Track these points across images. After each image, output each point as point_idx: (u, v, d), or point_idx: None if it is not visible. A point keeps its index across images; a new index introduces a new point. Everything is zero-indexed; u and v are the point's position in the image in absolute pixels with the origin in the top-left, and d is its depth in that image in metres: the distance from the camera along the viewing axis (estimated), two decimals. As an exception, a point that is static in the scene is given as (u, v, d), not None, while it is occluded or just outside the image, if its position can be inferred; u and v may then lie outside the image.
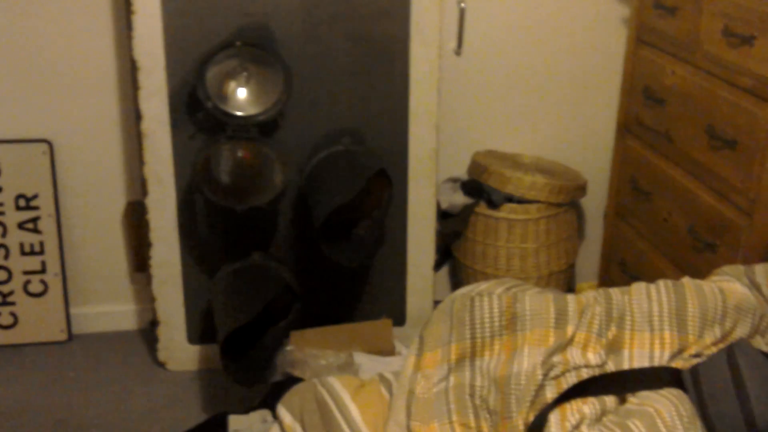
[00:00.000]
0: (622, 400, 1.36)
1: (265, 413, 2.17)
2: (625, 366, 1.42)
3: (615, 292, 1.54)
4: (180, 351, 2.54)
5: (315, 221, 2.14)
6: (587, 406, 1.29)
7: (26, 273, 2.60)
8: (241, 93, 2.25)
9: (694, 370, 1.34)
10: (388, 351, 2.44)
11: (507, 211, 2.55)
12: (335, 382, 1.51)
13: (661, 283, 1.53)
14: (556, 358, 1.39)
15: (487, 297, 1.49)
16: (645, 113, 2.37)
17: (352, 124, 2.42)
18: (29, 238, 2.58)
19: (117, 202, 2.64)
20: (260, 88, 2.26)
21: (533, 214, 2.54)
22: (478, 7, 2.61)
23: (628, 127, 2.48)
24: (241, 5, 2.27)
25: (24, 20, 2.39)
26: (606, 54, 2.71)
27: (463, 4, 2.57)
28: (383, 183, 2.29)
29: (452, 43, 2.62)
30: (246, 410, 2.22)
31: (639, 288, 1.53)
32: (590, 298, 1.52)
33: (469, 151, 2.75)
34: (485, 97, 2.73)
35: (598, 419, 1.29)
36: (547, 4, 2.64)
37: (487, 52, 2.67)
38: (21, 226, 2.56)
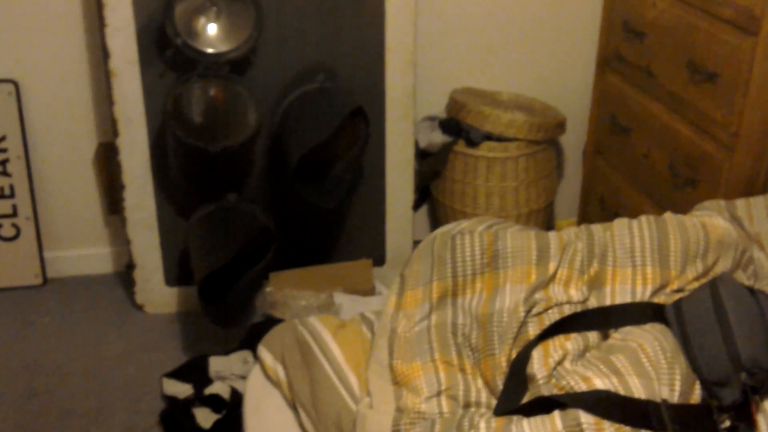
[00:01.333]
0: (605, 336, 1.35)
1: (245, 354, 2.17)
2: (608, 302, 1.41)
3: (596, 228, 1.53)
4: (157, 294, 2.51)
5: (289, 162, 2.10)
6: (570, 342, 1.29)
7: (-4, 217, 2.55)
8: (211, 29, 2.18)
9: (677, 305, 1.33)
10: (368, 291, 2.44)
11: (486, 150, 2.52)
12: (316, 322, 1.50)
13: (642, 218, 1.52)
14: (538, 295, 1.37)
15: (468, 235, 1.47)
16: (625, 47, 2.33)
17: (326, 60, 2.36)
18: (-2, 182, 2.52)
19: (88, 144, 2.57)
20: (231, 24, 2.19)
21: (512, 152, 2.51)
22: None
23: (607, 62, 2.45)
24: (211, -63, 2.19)
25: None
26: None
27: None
28: (359, 122, 2.25)
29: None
30: (226, 352, 2.22)
31: (621, 224, 1.52)
32: (572, 234, 1.50)
33: (446, 88, 2.70)
34: (462, 34, 2.67)
35: (581, 355, 1.29)
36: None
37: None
38: (-11, 169, 2.50)
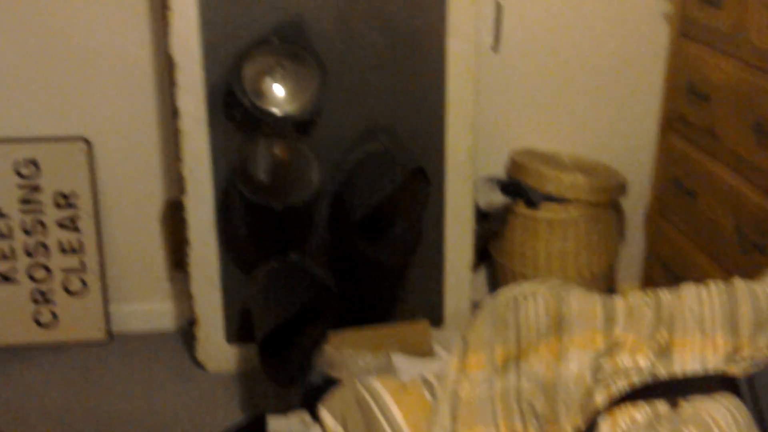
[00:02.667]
0: (674, 406, 1.32)
1: (303, 415, 2.16)
2: (677, 370, 1.38)
3: (664, 293, 1.50)
4: (218, 351, 2.54)
5: (352, 220, 2.12)
6: (638, 411, 1.26)
7: (65, 271, 2.62)
8: (278, 90, 2.24)
9: (751, 379, 1.29)
10: (426, 352, 2.41)
11: (546, 211, 2.51)
12: (377, 384, 1.49)
13: (711, 284, 1.49)
14: (604, 362, 1.35)
15: (531, 297, 1.45)
16: (689, 110, 2.32)
17: (387, 121, 2.40)
18: (68, 237, 2.59)
19: (155, 200, 2.64)
20: (296, 84, 2.25)
21: (573, 214, 2.50)
22: (515, 2, 2.57)
23: (671, 124, 2.43)
24: (277, 1, 2.26)
25: (63, 17, 2.40)
26: (647, 49, 2.66)
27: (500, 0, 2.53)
28: (420, 181, 2.26)
29: (489, 39, 2.58)
30: (284, 411, 2.21)
31: (689, 289, 1.49)
32: (639, 299, 1.48)
33: (506, 149, 2.71)
34: (523, 94, 2.69)
35: (650, 425, 1.25)
36: (588, -1, 2.60)
37: (524, 48, 2.63)
38: (60, 224, 2.58)
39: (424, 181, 2.23)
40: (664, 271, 2.50)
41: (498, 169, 2.72)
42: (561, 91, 2.69)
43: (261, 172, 2.23)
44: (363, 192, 2.17)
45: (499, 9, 2.53)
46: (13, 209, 2.55)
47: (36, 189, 2.54)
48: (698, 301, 1.46)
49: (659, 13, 2.61)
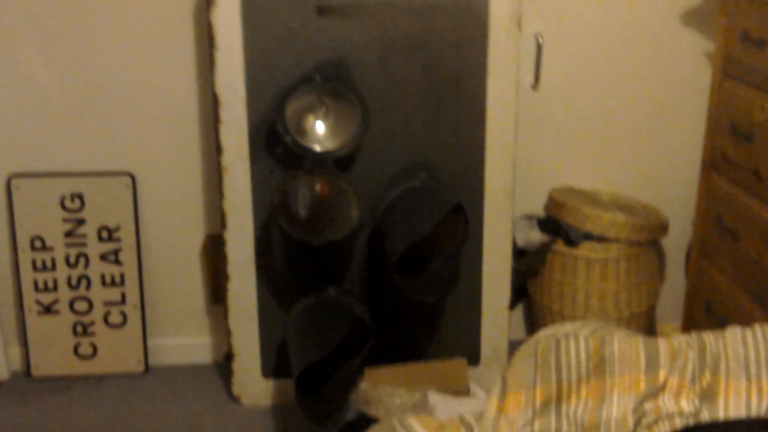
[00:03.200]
0: (720, 452, 1.29)
1: (339, 451, 2.15)
2: (721, 415, 1.35)
3: (708, 336, 1.48)
4: (254, 385, 2.54)
5: (390, 256, 2.12)
6: (683, 456, 1.24)
7: (107, 304, 2.65)
8: (320, 127, 2.27)
9: (799, 423, 1.27)
10: (463, 391, 2.40)
11: (586, 250, 2.49)
12: (415, 422, 1.48)
13: (757, 327, 1.46)
14: (647, 405, 1.33)
15: (573, 339, 1.44)
16: (732, 149, 2.30)
17: (427, 158, 2.41)
18: (110, 270, 2.63)
19: (196, 235, 2.67)
20: (338, 122, 2.27)
21: (613, 253, 2.48)
22: (556, 41, 2.58)
23: (713, 163, 2.40)
24: (319, 40, 2.29)
25: (108, 54, 2.46)
26: (689, 88, 2.65)
27: (540, 39, 2.54)
28: (459, 219, 2.26)
29: (529, 78, 2.59)
30: (320, 447, 2.21)
31: (734, 333, 1.46)
32: (682, 342, 1.46)
33: (545, 187, 2.71)
34: (563, 133, 2.69)
35: (695, 471, 1.23)
36: (628, 37, 2.60)
37: (565, 87, 2.64)
38: (103, 257, 2.62)
39: (462, 218, 2.23)
40: (706, 312, 2.46)
41: (537, 206, 2.71)
42: (602, 129, 2.69)
43: (301, 207, 2.25)
44: (402, 229, 2.17)
45: (539, 47, 2.54)
46: (58, 242, 2.60)
47: (81, 222, 2.59)
48: (743, 344, 1.44)
49: (701, 52, 2.61)
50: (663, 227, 2.57)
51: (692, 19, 2.58)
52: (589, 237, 2.49)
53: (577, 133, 2.68)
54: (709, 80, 2.46)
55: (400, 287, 2.17)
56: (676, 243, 2.78)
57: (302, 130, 2.25)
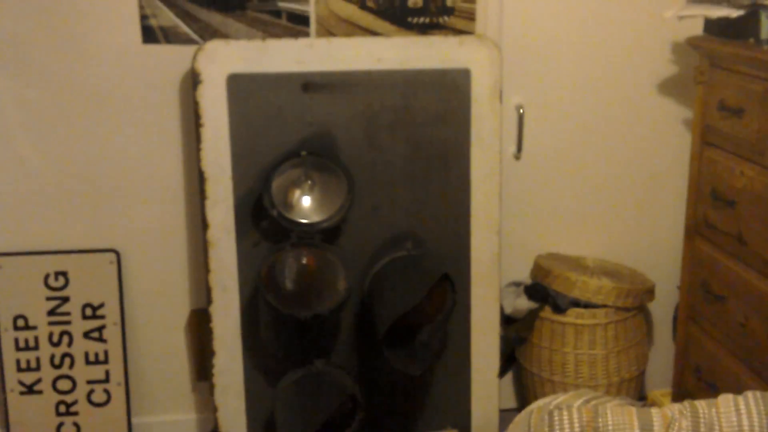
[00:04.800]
0: None
1: None
2: (718, 485, 1.33)
3: (701, 404, 1.47)
4: (241, 462, 2.49)
5: (378, 329, 2.11)
6: None
7: (90, 382, 2.60)
8: (305, 201, 2.28)
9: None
10: (455, 463, 2.36)
11: (574, 316, 2.49)
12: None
13: (749, 395, 1.46)
14: (644, 477, 1.31)
15: (566, 410, 1.43)
16: (714, 215, 2.32)
17: (413, 229, 2.42)
18: (94, 347, 2.59)
19: (181, 310, 2.65)
20: (323, 195, 2.29)
21: (601, 319, 2.48)
22: (537, 111, 2.63)
23: (697, 229, 2.43)
24: (305, 115, 2.33)
25: (94, 132, 2.47)
26: (671, 155, 2.69)
27: (521, 109, 2.59)
28: (446, 288, 2.26)
29: (512, 147, 2.63)
30: None
31: (726, 400, 1.46)
32: (675, 410, 1.45)
33: (531, 254, 2.72)
34: (546, 200, 2.71)
35: None
36: (609, 106, 2.65)
37: (547, 156, 2.68)
38: (87, 335, 2.58)
39: (450, 287, 2.23)
40: (696, 377, 2.45)
41: (523, 273, 2.72)
42: (584, 196, 2.72)
43: (288, 280, 2.24)
44: (390, 301, 2.17)
45: (520, 118, 2.58)
46: (41, 320, 2.56)
47: (64, 300, 2.56)
48: (736, 412, 1.43)
49: (681, 120, 2.66)
50: (650, 292, 2.58)
51: (671, 87, 2.64)
52: (576, 303, 2.49)
53: (561, 200, 2.71)
54: (690, 147, 2.51)
55: (389, 360, 2.15)
56: (663, 307, 2.79)
57: (288, 204, 2.26)
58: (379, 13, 2.47)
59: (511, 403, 2.84)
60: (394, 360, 2.15)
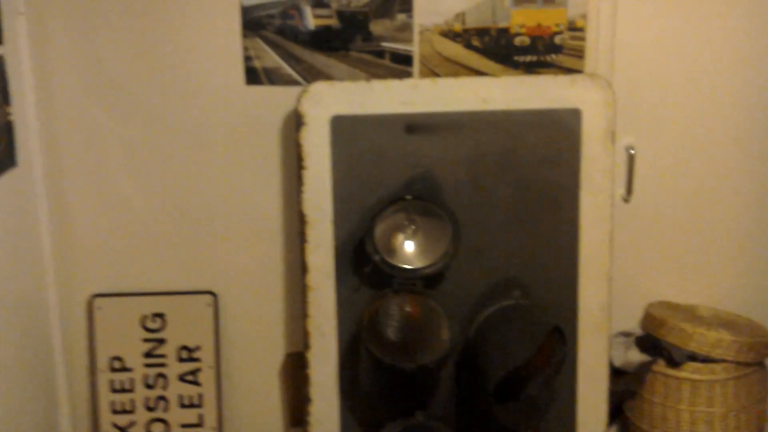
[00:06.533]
0: None
1: None
2: None
3: None
4: None
5: (487, 383, 2.01)
6: None
7: (184, 426, 2.57)
8: (408, 246, 2.20)
9: None
10: None
11: (690, 371, 2.34)
12: None
13: None
14: None
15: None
16: None
17: (518, 275, 2.32)
18: (189, 391, 2.56)
19: (276, 354, 2.60)
20: (427, 239, 2.21)
21: (720, 375, 2.32)
22: (647, 152, 2.51)
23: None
24: (408, 157, 2.27)
25: (195, 173, 2.47)
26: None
27: (632, 150, 2.48)
28: (555, 339, 2.15)
29: (621, 190, 2.51)
30: None
31: None
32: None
33: (639, 302, 2.58)
34: (656, 246, 2.58)
35: None
36: (723, 147, 2.52)
37: (657, 199, 2.55)
38: (182, 378, 2.55)
39: (561, 341, 2.12)
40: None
41: (631, 323, 2.58)
42: (697, 242, 2.58)
43: (390, 329, 2.17)
44: (499, 353, 2.07)
45: (631, 159, 2.47)
46: (137, 362, 2.54)
47: (161, 342, 2.54)
48: None
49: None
50: (771, 346, 2.41)
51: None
52: (692, 357, 2.34)
53: (671, 246, 2.58)
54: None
55: (498, 416, 2.04)
56: (781, 361, 2.61)
57: (391, 249, 2.19)
58: (485, 52, 2.40)
59: (615, 458, 2.69)
60: (503, 416, 2.04)
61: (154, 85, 2.39)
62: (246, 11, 2.35)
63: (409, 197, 2.18)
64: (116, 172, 2.45)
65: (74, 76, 2.38)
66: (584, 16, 2.40)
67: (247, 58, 2.37)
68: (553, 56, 2.41)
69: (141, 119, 2.42)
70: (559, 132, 2.28)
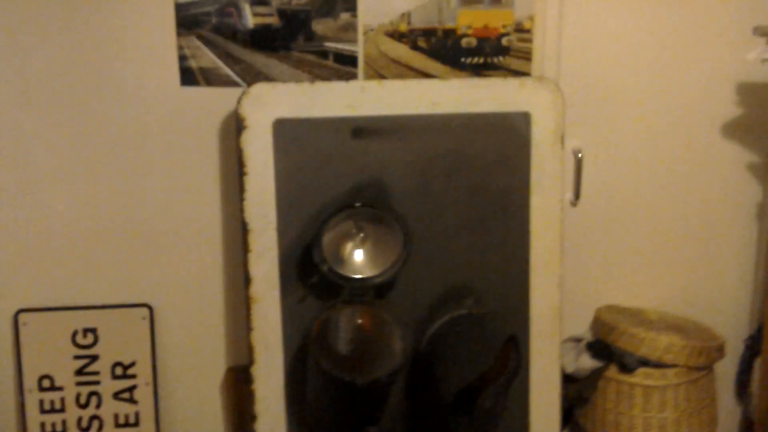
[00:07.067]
0: None
1: None
2: None
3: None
4: None
5: (444, 397, 1.94)
6: None
7: (119, 447, 2.43)
8: (357, 255, 2.12)
9: None
10: None
11: (642, 377, 2.32)
12: None
13: None
14: None
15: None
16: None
17: (469, 282, 2.26)
18: (125, 409, 2.42)
19: (217, 368, 2.48)
20: (376, 248, 2.13)
21: (672, 380, 2.30)
22: (595, 155, 2.48)
23: (772, 281, 2.28)
24: (354, 162, 2.18)
25: (127, 177, 2.33)
26: (735, 201, 2.54)
27: (579, 153, 2.44)
28: (509, 348, 2.10)
29: (568, 193, 2.48)
30: None
31: None
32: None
33: (587, 306, 2.55)
34: (604, 249, 2.56)
35: None
36: (672, 150, 2.51)
37: (605, 202, 2.53)
38: (117, 395, 2.41)
39: (515, 349, 2.07)
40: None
41: (580, 327, 2.55)
42: (645, 245, 2.57)
43: (341, 342, 2.08)
44: (453, 365, 2.00)
45: (578, 163, 2.44)
46: (68, 381, 2.39)
47: (93, 359, 2.39)
48: None
49: (746, 165, 2.51)
50: (720, 349, 2.40)
51: (737, 131, 2.50)
52: (644, 362, 2.32)
53: (619, 249, 2.55)
54: (755, 193, 2.37)
55: (455, 429, 1.98)
56: (725, 365, 2.61)
57: (339, 258, 2.10)
58: (431, 53, 2.34)
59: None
60: (460, 429, 1.97)
61: (82, 85, 2.24)
62: (180, 8, 2.22)
63: (358, 204, 2.09)
64: (41, 177, 2.29)
65: (-5, 76, 2.22)
66: (532, 18, 2.35)
67: (182, 58, 2.25)
68: (501, 58, 2.36)
69: (68, 120, 2.26)
70: (509, 135, 2.23)
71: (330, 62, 2.31)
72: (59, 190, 2.31)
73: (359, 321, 2.08)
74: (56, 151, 2.28)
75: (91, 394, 2.41)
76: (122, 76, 2.26)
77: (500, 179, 2.24)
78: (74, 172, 2.30)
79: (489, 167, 2.24)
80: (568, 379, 2.46)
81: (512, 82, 2.23)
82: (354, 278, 2.07)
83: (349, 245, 2.11)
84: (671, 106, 2.47)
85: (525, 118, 2.23)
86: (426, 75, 2.36)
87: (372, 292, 2.11)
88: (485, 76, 2.36)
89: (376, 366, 2.06)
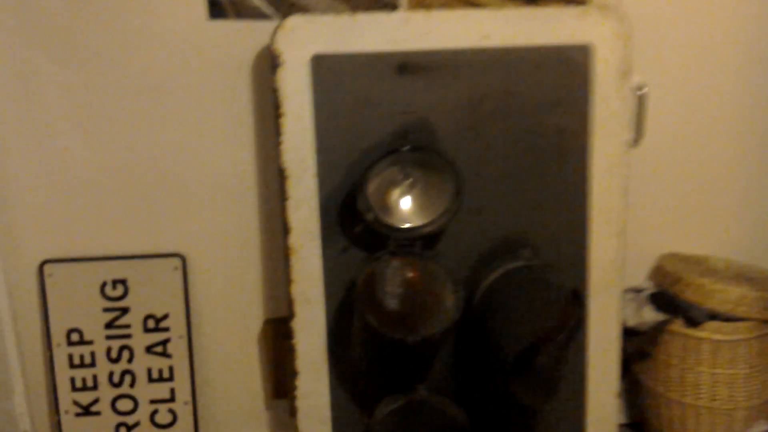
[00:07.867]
0: None
1: None
2: None
3: None
4: (328, 498, 2.20)
5: (504, 358, 1.79)
6: None
7: (153, 402, 2.33)
8: (405, 203, 1.95)
9: None
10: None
11: (711, 331, 2.15)
12: None
13: None
14: None
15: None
16: None
17: (521, 232, 2.09)
18: (157, 363, 2.31)
19: (254, 321, 2.35)
20: (425, 195, 1.96)
21: (744, 334, 2.14)
22: (658, 92, 2.27)
23: None
24: (398, 101, 2.00)
25: (153, 121, 2.17)
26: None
27: (644, 89, 2.24)
28: (572, 306, 1.94)
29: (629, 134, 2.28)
30: None
31: None
32: None
33: (648, 254, 2.39)
34: (666, 194, 2.37)
35: None
36: (742, 85, 2.29)
37: (668, 143, 2.33)
38: (149, 349, 2.30)
39: (578, 305, 1.90)
40: None
41: (640, 277, 2.39)
42: (710, 189, 2.37)
43: (389, 297, 1.93)
44: (512, 322, 1.85)
45: (641, 101, 2.23)
46: (98, 335, 2.28)
47: (124, 311, 2.27)
48: None
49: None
50: (794, 301, 2.23)
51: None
52: (713, 316, 2.15)
53: (683, 193, 2.37)
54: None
55: (515, 392, 1.84)
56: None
57: (385, 206, 1.94)
58: (483, -21, 2.13)
59: (621, 418, 2.52)
60: (520, 393, 1.83)
61: (100, 22, 2.07)
62: (207, -67, 2.03)
63: (405, 148, 1.91)
64: (59, 122, 2.13)
65: (6, 13, 2.04)
66: (593, -62, 2.12)
67: (211, -12, 2.06)
68: (560, -16, 2.15)
69: (86, 63, 2.09)
70: (568, 71, 2.03)
71: (371, -9, 2.11)
72: (79, 136, 2.16)
73: (409, 274, 1.92)
74: (73, 95, 2.12)
75: (123, 348, 2.30)
76: (144, 10, 2.08)
77: (557, 120, 2.05)
78: (95, 116, 2.15)
79: (545, 107, 2.05)
80: (627, 333, 2.30)
81: (572, 11, 2.02)
82: (402, 228, 1.91)
83: (395, 192, 1.94)
84: (741, 39, 2.25)
85: (585, 51, 2.02)
86: (474, 5, 2.16)
87: (420, 244, 1.95)
88: (541, 4, 2.15)
89: (428, 323, 1.91)
